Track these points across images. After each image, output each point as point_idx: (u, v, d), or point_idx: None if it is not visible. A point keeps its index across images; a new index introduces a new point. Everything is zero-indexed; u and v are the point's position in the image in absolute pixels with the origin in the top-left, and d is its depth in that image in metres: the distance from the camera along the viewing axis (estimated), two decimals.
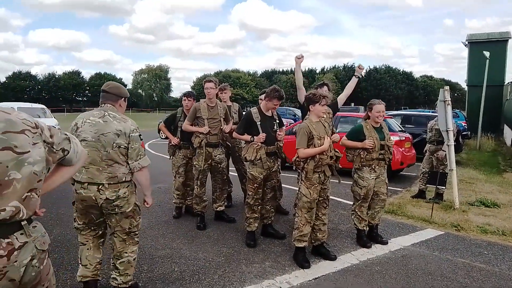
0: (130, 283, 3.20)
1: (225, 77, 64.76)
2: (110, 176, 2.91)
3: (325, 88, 4.93)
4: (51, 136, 1.77)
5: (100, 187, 2.90)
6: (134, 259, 3.20)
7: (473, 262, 4.16)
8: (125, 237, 3.11)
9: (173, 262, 4.00)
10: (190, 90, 6.21)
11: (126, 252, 3.13)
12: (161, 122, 6.24)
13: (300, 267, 3.92)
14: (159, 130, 14.11)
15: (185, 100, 5.60)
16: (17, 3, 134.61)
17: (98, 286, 3.28)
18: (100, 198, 2.91)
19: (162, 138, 17.39)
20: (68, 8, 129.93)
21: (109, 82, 3.20)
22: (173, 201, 5.72)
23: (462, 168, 10.41)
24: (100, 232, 3.21)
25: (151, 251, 4.29)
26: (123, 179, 2.96)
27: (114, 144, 2.89)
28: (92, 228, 3.14)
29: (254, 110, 4.59)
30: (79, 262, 3.17)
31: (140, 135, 3.03)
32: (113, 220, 3.04)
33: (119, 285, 3.14)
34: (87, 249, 3.14)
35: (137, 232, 3.18)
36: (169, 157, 5.81)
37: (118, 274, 3.14)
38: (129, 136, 2.93)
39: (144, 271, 3.78)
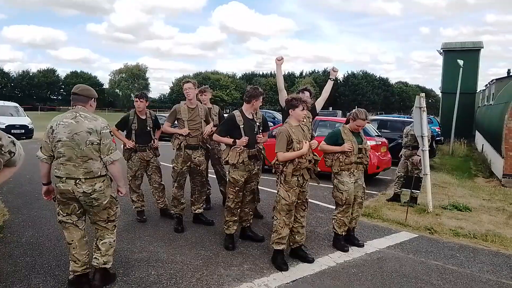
0: (109, 264, 3.48)
1: (204, 78, 64.49)
2: (86, 171, 3.17)
3: (307, 93, 4.98)
4: (0, 139, 1.92)
5: (77, 182, 3.16)
6: (114, 241, 3.51)
7: (446, 265, 4.27)
8: (104, 225, 3.41)
9: (150, 266, 3.94)
10: (144, 91, 6.07)
11: (107, 235, 3.45)
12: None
13: (278, 269, 3.93)
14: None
15: (137, 101, 5.38)
16: None
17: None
18: (78, 191, 3.16)
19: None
20: (45, 5, 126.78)
21: (78, 85, 3.43)
22: (133, 206, 5.54)
23: (436, 173, 10.69)
24: (82, 229, 3.40)
25: (127, 254, 4.22)
26: (99, 174, 3.23)
27: (87, 141, 3.16)
28: (74, 220, 3.32)
29: (237, 113, 4.55)
30: (69, 258, 3.37)
31: (110, 132, 3.33)
32: (91, 212, 3.32)
33: (100, 265, 3.40)
34: (73, 248, 3.33)
35: (116, 219, 3.51)
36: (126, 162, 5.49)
37: (100, 255, 3.41)
38: (100, 133, 3.21)
39: (119, 274, 3.71)
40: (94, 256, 3.43)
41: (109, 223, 3.43)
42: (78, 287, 3.37)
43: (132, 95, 75.39)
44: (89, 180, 3.18)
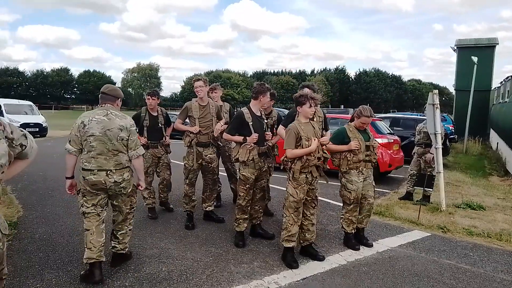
0: (126, 249, 3.84)
1: (215, 77, 64.60)
2: (116, 163, 3.48)
3: (306, 90, 4.88)
4: (11, 132, 1.98)
5: (108, 173, 3.45)
6: (130, 230, 3.85)
7: (459, 264, 4.21)
8: (127, 214, 3.73)
9: (160, 262, 3.97)
10: (156, 89, 6.13)
11: (126, 226, 3.77)
12: None
13: (288, 267, 3.92)
14: None
15: (149, 99, 5.50)
16: None
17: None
18: (109, 181, 3.46)
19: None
20: (59, 4, 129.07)
21: (107, 85, 3.73)
22: (145, 203, 5.59)
23: (449, 171, 10.54)
24: (102, 218, 3.60)
25: (138, 250, 4.25)
26: (126, 165, 3.57)
27: (118, 137, 3.47)
28: (98, 211, 3.54)
29: (245, 110, 4.54)
30: (85, 246, 3.49)
31: (136, 129, 3.68)
32: (119, 200, 3.62)
33: (117, 251, 3.76)
34: (91, 234, 3.48)
35: (134, 209, 3.85)
36: None
37: (117, 243, 3.74)
38: (129, 130, 3.54)
39: (131, 270, 3.74)
40: (112, 244, 3.75)
41: (131, 213, 3.78)
42: (90, 279, 3.44)
43: (144, 93, 76.16)
44: (119, 171, 3.50)
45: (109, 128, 3.43)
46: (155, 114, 5.57)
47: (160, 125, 5.55)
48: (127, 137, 3.52)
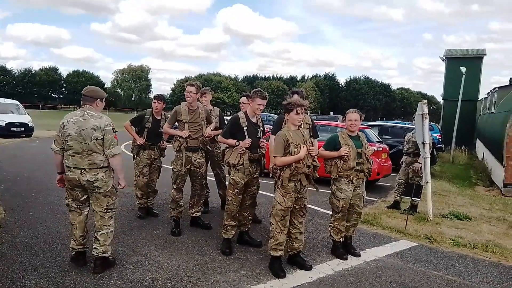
0: (108, 253, 3.82)
1: (206, 80, 64.45)
2: (90, 162, 3.64)
3: (296, 96, 4.86)
4: None
5: (82, 171, 3.63)
6: (111, 231, 3.86)
7: (446, 275, 4.21)
8: (103, 213, 3.78)
9: (145, 269, 3.88)
10: (161, 93, 6.19)
11: (105, 225, 3.80)
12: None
13: (276, 276, 3.87)
14: None
15: (155, 102, 5.69)
16: None
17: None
18: (82, 179, 3.64)
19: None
20: (50, 3, 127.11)
21: (87, 87, 3.93)
22: (137, 202, 5.73)
23: (436, 180, 10.63)
24: (85, 213, 3.87)
25: (122, 257, 4.16)
26: (101, 165, 3.68)
27: (92, 136, 3.61)
28: (78, 206, 3.80)
29: (241, 115, 4.54)
30: (71, 237, 3.86)
31: (113, 129, 3.74)
32: (94, 198, 3.75)
33: (99, 254, 3.75)
34: (74, 228, 3.82)
35: (113, 210, 3.88)
36: (132, 158, 5.77)
37: (98, 245, 3.75)
38: (103, 129, 3.65)
39: (114, 278, 3.65)
40: (94, 247, 3.77)
41: (107, 213, 3.80)
42: (76, 263, 3.85)
43: (134, 95, 75.60)
44: (93, 170, 3.65)
45: (84, 128, 3.61)
46: (159, 118, 5.73)
47: (161, 129, 5.63)
48: (102, 137, 3.64)
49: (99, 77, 77.31)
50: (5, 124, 15.64)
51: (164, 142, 5.77)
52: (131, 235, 4.87)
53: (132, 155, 5.79)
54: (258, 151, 4.54)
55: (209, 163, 5.89)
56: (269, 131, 5.64)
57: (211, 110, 5.81)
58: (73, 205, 3.80)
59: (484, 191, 10.41)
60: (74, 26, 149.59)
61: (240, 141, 4.39)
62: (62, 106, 65.63)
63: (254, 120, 4.58)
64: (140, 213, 5.65)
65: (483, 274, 4.30)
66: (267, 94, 4.58)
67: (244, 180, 4.42)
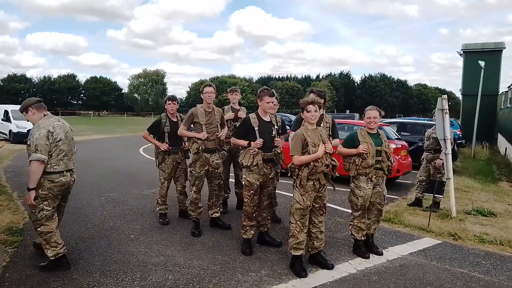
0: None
1: (221, 82, 64.61)
2: (73, 162, 3.95)
3: (311, 95, 4.82)
4: None
5: (71, 172, 3.90)
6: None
7: (472, 272, 4.11)
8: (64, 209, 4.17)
9: (167, 270, 3.91)
10: (173, 94, 6.15)
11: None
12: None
13: (297, 276, 3.84)
14: None
15: (170, 104, 5.53)
16: (16, 6, 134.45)
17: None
18: (72, 180, 3.91)
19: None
20: (67, 12, 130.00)
21: (36, 98, 4.05)
22: (157, 209, 5.59)
23: (458, 177, 10.40)
24: (56, 217, 3.92)
25: (144, 258, 4.20)
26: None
27: (72, 138, 3.98)
28: (55, 213, 3.86)
29: (252, 115, 4.52)
30: (49, 247, 3.75)
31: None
32: (67, 196, 4.08)
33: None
34: (54, 234, 3.79)
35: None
36: (156, 165, 5.59)
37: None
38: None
39: (137, 279, 3.68)
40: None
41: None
42: (65, 266, 3.82)
43: (150, 99, 76.45)
44: (73, 168, 3.94)
45: (67, 130, 3.90)
46: (175, 120, 5.58)
47: None
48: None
49: (116, 82, 78.67)
50: (27, 131, 16.00)
51: (186, 143, 5.57)
52: (152, 237, 4.91)
53: (155, 160, 5.66)
54: (273, 150, 4.51)
55: (232, 163, 5.93)
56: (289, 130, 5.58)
57: (239, 109, 5.83)
58: (54, 213, 3.80)
59: (508, 186, 10.13)
60: (91, 33, 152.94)
61: (251, 142, 4.38)
62: (81, 112, 66.97)
63: (266, 118, 4.54)
64: (161, 220, 5.50)
65: (511, 271, 4.18)
66: (274, 91, 4.54)
67: (259, 181, 4.40)
